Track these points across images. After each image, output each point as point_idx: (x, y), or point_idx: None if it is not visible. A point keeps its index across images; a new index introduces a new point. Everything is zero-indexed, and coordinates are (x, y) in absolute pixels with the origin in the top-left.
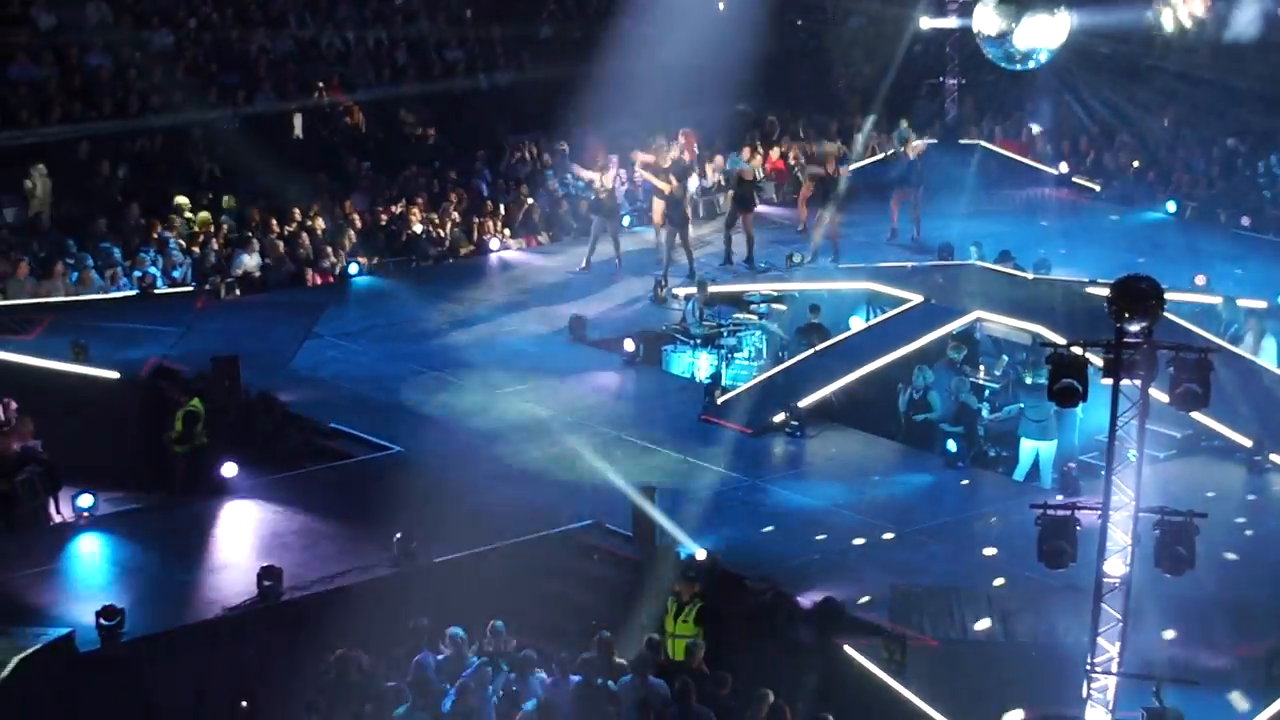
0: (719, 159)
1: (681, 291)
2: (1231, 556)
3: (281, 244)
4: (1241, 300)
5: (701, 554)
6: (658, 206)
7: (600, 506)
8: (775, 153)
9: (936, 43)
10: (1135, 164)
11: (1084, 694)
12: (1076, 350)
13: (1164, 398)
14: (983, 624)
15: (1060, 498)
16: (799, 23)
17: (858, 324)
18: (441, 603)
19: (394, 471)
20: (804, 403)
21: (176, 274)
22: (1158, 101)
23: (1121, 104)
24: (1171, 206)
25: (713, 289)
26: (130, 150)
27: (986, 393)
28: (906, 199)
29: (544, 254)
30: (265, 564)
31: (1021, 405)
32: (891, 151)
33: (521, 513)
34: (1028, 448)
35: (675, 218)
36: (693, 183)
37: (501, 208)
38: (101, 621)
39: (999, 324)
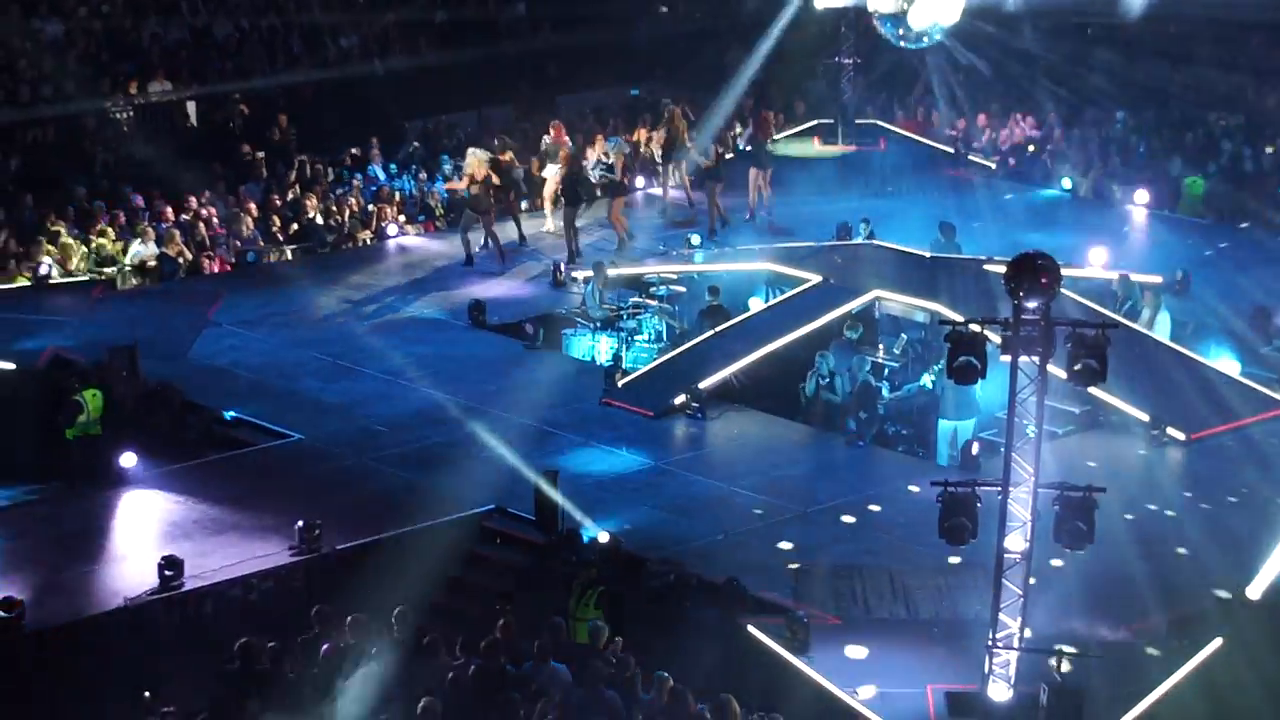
0: (599, 141)
1: (580, 275)
2: (1129, 530)
3: (178, 232)
4: (1137, 276)
5: (604, 536)
6: (548, 191)
7: (502, 491)
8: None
9: (831, 23)
10: (1031, 147)
11: (986, 669)
12: (975, 328)
13: (1062, 374)
14: (885, 601)
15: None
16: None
17: (757, 305)
18: (344, 590)
19: (295, 459)
20: (704, 384)
21: (72, 264)
22: (1055, 80)
23: (1018, 82)
24: (1067, 183)
25: (612, 272)
26: (23, 141)
27: (886, 371)
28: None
29: (442, 239)
30: (166, 554)
31: (921, 384)
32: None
33: (424, 498)
34: (946, 427)
35: (569, 197)
36: (550, 170)
37: (397, 194)
38: (1, 614)
39: (897, 302)
